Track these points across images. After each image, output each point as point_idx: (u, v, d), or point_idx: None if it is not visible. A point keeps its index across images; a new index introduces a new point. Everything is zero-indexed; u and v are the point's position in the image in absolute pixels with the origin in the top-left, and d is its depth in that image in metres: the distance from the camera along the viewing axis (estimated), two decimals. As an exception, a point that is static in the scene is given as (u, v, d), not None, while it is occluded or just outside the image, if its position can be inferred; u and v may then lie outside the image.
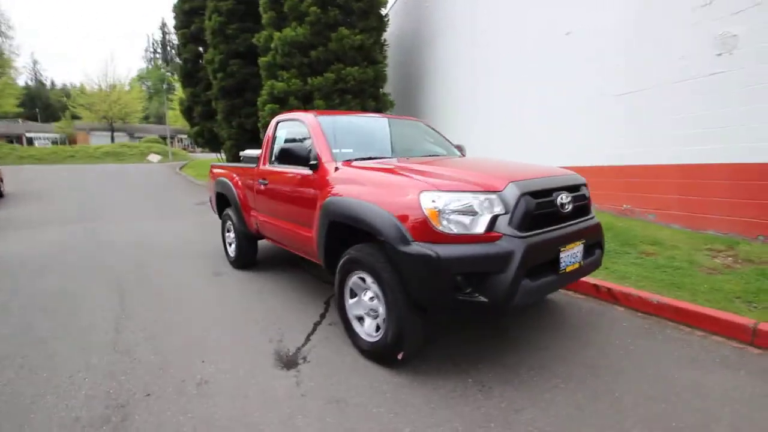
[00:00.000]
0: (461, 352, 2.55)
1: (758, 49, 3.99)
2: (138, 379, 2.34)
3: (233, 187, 4.31)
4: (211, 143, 15.98)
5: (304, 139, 3.21)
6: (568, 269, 2.29)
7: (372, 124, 3.59)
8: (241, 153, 4.53)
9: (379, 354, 2.35)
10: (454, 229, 2.00)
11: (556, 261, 2.20)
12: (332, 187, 2.65)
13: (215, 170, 5.06)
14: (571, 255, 2.30)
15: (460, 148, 3.93)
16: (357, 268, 2.44)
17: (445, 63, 10.27)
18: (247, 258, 4.49)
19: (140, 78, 57.10)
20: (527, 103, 7.03)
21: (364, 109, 10.85)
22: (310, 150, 2.96)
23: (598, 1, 5.64)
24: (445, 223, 2.00)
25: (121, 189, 13.54)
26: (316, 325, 3.03)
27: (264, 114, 10.52)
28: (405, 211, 2.09)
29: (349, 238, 2.64)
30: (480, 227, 2.01)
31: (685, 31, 4.59)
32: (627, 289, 3.23)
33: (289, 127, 3.57)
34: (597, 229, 2.57)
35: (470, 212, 2.01)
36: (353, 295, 2.58)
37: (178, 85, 39.97)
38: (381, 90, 11.15)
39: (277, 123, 3.77)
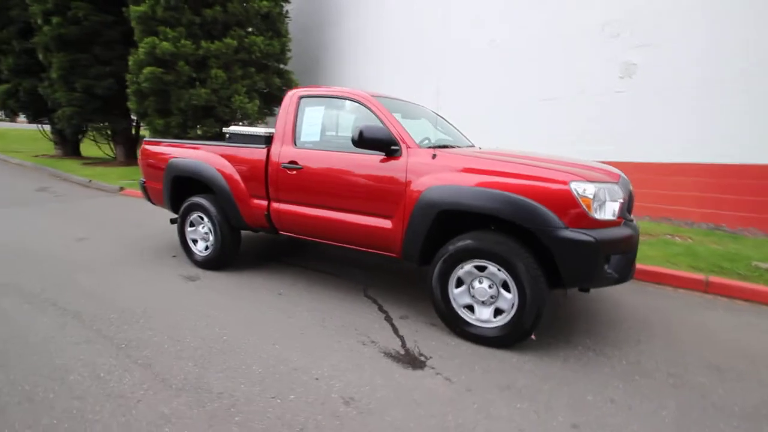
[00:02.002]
0: (543, 328, 2.82)
1: (649, 76, 5.40)
2: (262, 414, 1.85)
3: (216, 172, 3.54)
4: (31, 108, 12.04)
5: (362, 119, 2.92)
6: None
7: (404, 109, 3.46)
8: (228, 129, 3.70)
9: (506, 338, 2.42)
10: (602, 216, 2.24)
11: (635, 240, 2.70)
12: (435, 175, 2.54)
13: (164, 149, 4.01)
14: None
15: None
16: (475, 257, 2.44)
17: (351, 48, 10.12)
18: (229, 256, 3.78)
19: None
20: (447, 103, 7.66)
21: (269, 86, 9.95)
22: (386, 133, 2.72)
23: (520, 21, 6.55)
24: (595, 210, 2.22)
25: None
26: (389, 320, 2.87)
27: (140, 78, 8.53)
28: (556, 199, 2.21)
29: (450, 228, 2.61)
30: (613, 214, 2.30)
31: (596, 56, 5.81)
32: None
33: (329, 105, 3.14)
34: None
35: (608, 200, 2.28)
36: (458, 284, 2.57)
37: None
38: (284, 66, 10.36)
39: (300, 98, 3.26)
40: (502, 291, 2.42)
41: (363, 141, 2.63)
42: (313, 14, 11.01)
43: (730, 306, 3.31)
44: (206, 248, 3.83)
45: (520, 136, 6.72)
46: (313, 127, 3.15)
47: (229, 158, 3.49)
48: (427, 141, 3.36)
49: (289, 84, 10.39)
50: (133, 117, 12.37)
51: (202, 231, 3.81)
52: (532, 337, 2.42)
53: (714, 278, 3.53)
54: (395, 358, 2.38)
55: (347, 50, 10.14)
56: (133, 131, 12.14)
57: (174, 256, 4.25)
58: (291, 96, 3.31)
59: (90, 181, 9.12)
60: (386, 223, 2.77)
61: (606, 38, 5.70)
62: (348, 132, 3.08)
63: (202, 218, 3.79)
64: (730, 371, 2.34)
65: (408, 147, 2.71)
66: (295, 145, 3.19)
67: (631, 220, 2.42)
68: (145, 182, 4.27)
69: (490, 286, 2.46)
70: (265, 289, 3.40)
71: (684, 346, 2.63)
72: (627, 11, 5.46)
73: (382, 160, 2.76)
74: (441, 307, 2.63)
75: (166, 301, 3.09)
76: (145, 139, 4.34)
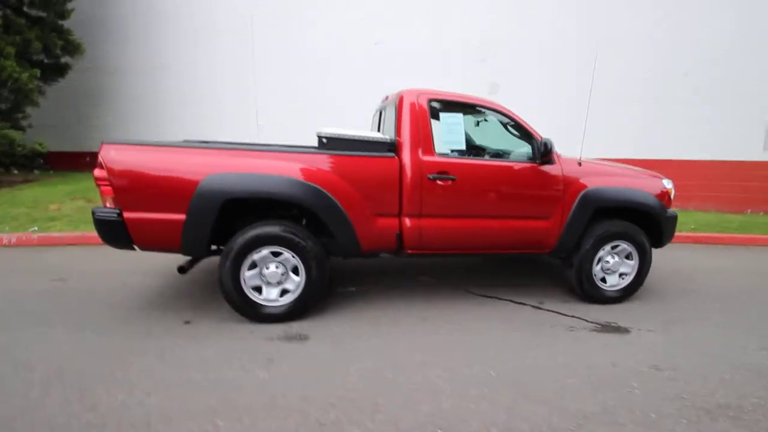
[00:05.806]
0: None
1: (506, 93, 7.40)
2: (654, 401, 2.06)
3: (320, 190, 2.67)
4: None
5: (504, 128, 3.09)
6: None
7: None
8: (324, 132, 2.64)
9: (629, 293, 3.35)
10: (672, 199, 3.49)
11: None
12: (588, 179, 3.11)
13: (182, 159, 2.58)
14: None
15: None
16: (616, 239, 3.21)
17: (181, 20, 8.06)
18: (321, 293, 2.96)
19: None
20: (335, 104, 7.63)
21: (47, 49, 6.66)
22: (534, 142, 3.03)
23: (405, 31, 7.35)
24: (672, 197, 3.44)
25: None
26: (539, 308, 3.23)
27: None
28: (659, 192, 3.29)
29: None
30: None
31: (471, 76, 7.37)
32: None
33: (466, 112, 3.02)
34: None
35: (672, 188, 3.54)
36: (597, 262, 3.29)
37: None
38: (63, 22, 7.11)
39: (430, 101, 2.92)
40: (625, 260, 3.33)
41: (547, 152, 2.89)
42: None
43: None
44: (281, 294, 2.82)
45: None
46: (457, 135, 2.97)
47: (341, 170, 2.73)
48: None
49: (72, 48, 7.24)
50: None
51: (278, 272, 2.77)
52: (636, 290, 3.50)
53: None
54: (604, 331, 2.89)
55: (171, 21, 7.94)
56: None
57: (187, 323, 2.82)
58: (415, 97, 2.92)
59: None
60: (545, 224, 3.11)
61: (476, 60, 7.32)
62: (487, 140, 3.15)
63: (276, 254, 2.75)
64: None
65: (557, 155, 3.14)
66: (436, 154, 2.92)
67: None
68: (121, 213, 2.54)
69: (618, 259, 3.32)
70: (400, 318, 2.99)
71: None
72: (489, 40, 7.25)
73: (538, 168, 3.06)
74: (586, 287, 3.26)
75: (336, 379, 2.27)
76: (105, 142, 2.52)
